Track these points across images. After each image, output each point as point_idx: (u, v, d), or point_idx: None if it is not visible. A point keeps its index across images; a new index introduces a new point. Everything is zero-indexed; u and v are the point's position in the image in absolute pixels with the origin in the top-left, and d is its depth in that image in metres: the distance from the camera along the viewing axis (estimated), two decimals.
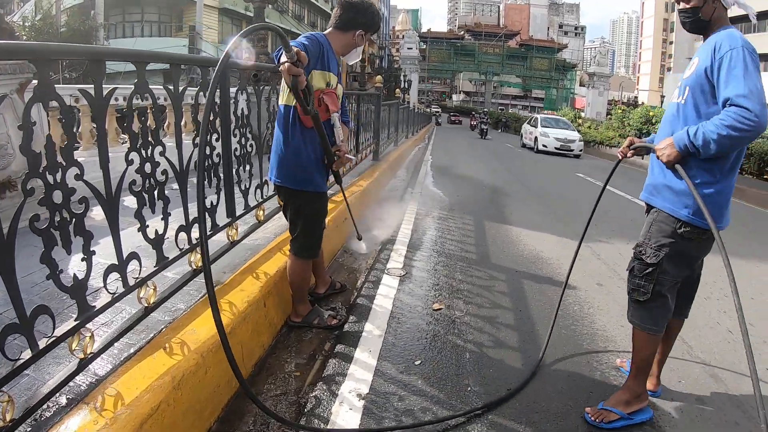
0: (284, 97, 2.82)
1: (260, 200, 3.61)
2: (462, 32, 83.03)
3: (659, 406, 2.66)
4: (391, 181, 9.37)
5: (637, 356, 2.51)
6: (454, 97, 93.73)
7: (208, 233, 2.96)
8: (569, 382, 2.81)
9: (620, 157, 2.73)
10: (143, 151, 2.26)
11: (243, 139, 3.28)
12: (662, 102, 48.50)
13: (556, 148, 20.82)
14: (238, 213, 3.28)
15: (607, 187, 2.90)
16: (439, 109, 62.16)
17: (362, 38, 2.97)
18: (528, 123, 25.37)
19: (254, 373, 2.72)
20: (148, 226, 2.31)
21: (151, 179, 2.34)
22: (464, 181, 10.73)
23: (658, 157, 2.33)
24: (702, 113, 2.24)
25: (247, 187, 3.38)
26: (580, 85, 75.26)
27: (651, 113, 23.83)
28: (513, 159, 17.66)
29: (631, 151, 2.63)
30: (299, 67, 2.26)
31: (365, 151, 8.45)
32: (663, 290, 2.40)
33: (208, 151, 2.81)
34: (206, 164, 2.82)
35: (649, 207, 2.52)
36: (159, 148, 2.36)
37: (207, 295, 2.77)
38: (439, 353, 2.97)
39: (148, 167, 2.30)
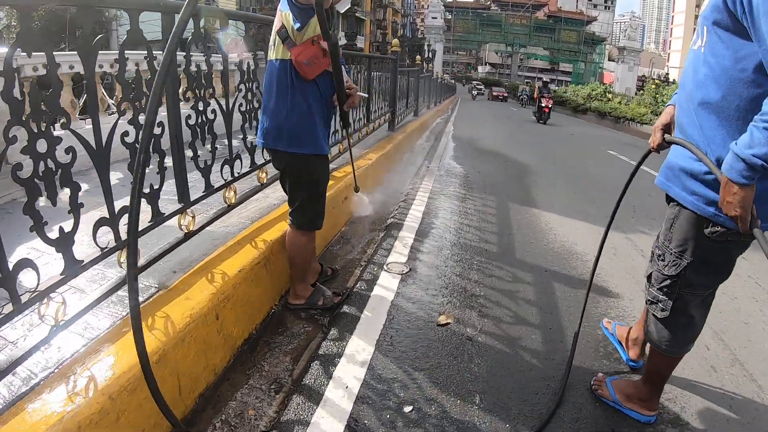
0: (278, 50, 2.46)
1: (228, 179, 2.91)
2: (488, 2, 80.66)
3: None
4: (407, 154, 8.58)
5: (651, 370, 2.20)
6: (480, 68, 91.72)
7: (147, 224, 2.29)
8: None
9: (649, 149, 2.06)
10: (32, 125, 1.60)
11: (201, 104, 2.57)
12: None
13: None
14: (194, 197, 2.60)
15: (645, 168, 2.18)
16: (483, 86, 53.36)
17: None
18: None
19: (197, 407, 2.08)
20: (46, 222, 1.67)
21: (48, 161, 1.68)
22: (486, 155, 9.89)
23: (725, 213, 1.54)
24: (728, 62, 1.52)
25: (209, 163, 2.68)
26: (609, 60, 73.13)
27: None
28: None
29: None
30: None
31: (378, 120, 7.67)
32: (688, 307, 1.93)
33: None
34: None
35: (669, 197, 1.87)
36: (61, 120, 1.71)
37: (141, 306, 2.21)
38: (439, 395, 2.21)
39: (41, 145, 1.65)
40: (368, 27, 27.18)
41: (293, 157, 2.57)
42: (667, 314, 1.94)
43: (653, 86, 26.26)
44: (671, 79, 56.38)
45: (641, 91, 33.32)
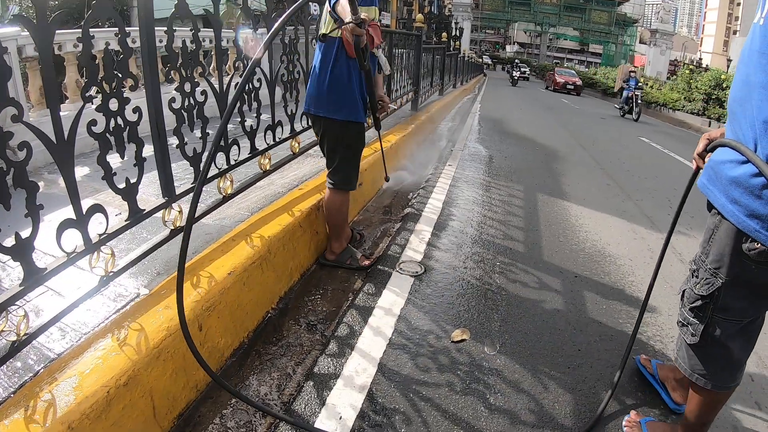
0: (327, 27, 2.72)
1: (222, 168, 2.62)
2: None
3: None
4: (430, 136, 8.19)
5: (690, 411, 1.79)
6: (508, 48, 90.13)
7: (124, 223, 2.01)
8: None
9: (694, 168, 1.75)
10: None
11: (188, 85, 2.26)
12: (728, 66, 44.88)
13: None
14: (180, 190, 2.32)
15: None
16: (528, 67, 45.54)
17: None
18: None
19: (174, 429, 1.84)
20: None
21: None
22: (513, 137, 9.46)
23: None
24: None
25: (199, 151, 2.38)
26: (640, 42, 71.19)
27: (723, 76, 21.69)
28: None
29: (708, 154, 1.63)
30: (362, 28, 2.39)
31: (400, 100, 7.30)
32: (721, 336, 1.58)
33: (115, 107, 1.86)
34: (111, 126, 1.86)
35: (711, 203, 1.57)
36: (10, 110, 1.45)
37: (114, 317, 1.97)
38: None
39: None
40: (395, 3, 26.43)
41: (335, 124, 2.83)
42: (696, 340, 1.63)
43: (687, 72, 25.29)
44: (704, 65, 54.97)
45: (674, 76, 32.26)
